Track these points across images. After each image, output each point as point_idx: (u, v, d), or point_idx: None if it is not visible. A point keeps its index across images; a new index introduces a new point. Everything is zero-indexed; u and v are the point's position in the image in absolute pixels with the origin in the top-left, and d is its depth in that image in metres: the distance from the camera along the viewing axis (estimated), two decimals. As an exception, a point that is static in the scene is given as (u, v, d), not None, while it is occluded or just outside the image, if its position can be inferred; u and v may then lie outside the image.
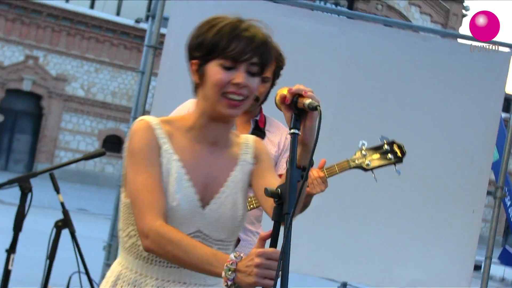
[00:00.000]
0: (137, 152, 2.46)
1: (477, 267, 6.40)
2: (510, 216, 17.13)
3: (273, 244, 2.31)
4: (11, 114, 29.27)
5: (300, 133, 2.30)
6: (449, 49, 6.31)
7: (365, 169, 3.50)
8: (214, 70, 2.39)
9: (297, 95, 2.30)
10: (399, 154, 3.48)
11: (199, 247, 2.29)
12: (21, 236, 3.81)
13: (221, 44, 2.37)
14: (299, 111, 2.30)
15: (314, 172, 3.37)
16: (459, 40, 7.28)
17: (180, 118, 2.64)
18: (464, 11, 39.70)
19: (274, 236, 2.30)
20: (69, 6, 29.87)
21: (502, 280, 22.04)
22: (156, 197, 2.39)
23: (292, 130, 2.29)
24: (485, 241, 6.24)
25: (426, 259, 6.02)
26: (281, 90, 2.37)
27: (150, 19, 6.47)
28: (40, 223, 5.16)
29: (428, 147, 5.82)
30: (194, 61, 2.46)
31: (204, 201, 2.50)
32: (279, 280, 2.21)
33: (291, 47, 5.11)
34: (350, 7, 32.24)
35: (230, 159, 2.60)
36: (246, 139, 2.66)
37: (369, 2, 32.52)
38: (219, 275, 2.16)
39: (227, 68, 2.38)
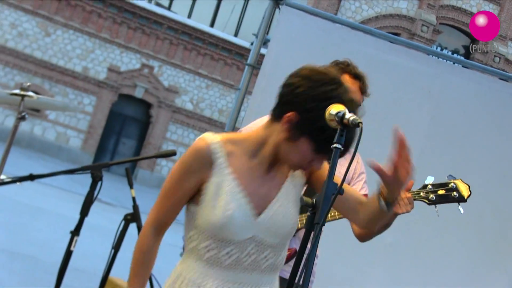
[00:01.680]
0: (179, 164, 2.61)
1: None
2: None
3: (301, 252, 2.38)
4: (120, 118, 30.03)
5: (342, 148, 2.33)
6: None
7: (428, 203, 3.53)
8: (305, 147, 2.48)
9: (343, 115, 2.33)
10: (463, 194, 3.48)
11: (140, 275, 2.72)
12: (89, 229, 3.98)
13: (328, 136, 2.39)
14: (344, 127, 2.33)
15: (402, 193, 3.38)
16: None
17: (247, 138, 2.70)
18: None
19: (303, 242, 2.38)
20: (190, 22, 30.41)
21: None
22: (167, 208, 2.65)
23: (335, 145, 2.34)
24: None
25: None
26: (331, 106, 2.38)
27: (254, 38, 6.52)
28: (108, 218, 5.32)
29: (493, 195, 5.76)
30: (292, 116, 2.48)
31: (258, 211, 2.60)
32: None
33: (388, 82, 5.18)
34: (467, 56, 31.44)
35: (282, 174, 2.68)
36: None
37: (487, 54, 31.54)
38: None
39: (316, 152, 2.49)
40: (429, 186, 3.46)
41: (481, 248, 5.93)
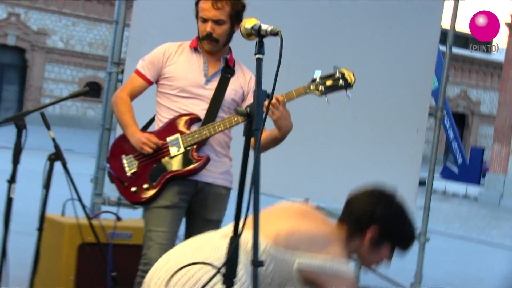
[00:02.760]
0: None
1: (421, 183, 6.53)
2: (449, 136, 17.70)
3: (245, 157, 2.36)
4: (-2, 68, 29.35)
5: (263, 57, 2.33)
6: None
7: (319, 94, 3.56)
8: (386, 252, 2.73)
9: (259, 27, 2.36)
10: (349, 80, 3.51)
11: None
12: (18, 176, 3.85)
13: (410, 242, 2.78)
14: (261, 37, 2.33)
15: (274, 98, 3.43)
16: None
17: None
18: None
19: (245, 150, 2.36)
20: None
21: (444, 193, 22.46)
22: None
23: (257, 56, 2.32)
24: (428, 160, 6.35)
25: (376, 176, 6.10)
26: (245, 21, 2.41)
27: None
28: (33, 163, 5.15)
29: (375, 75, 5.79)
30: (376, 230, 2.68)
31: None
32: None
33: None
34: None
35: None
36: None
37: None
38: None
39: (392, 253, 2.78)
40: (318, 80, 3.50)
41: (358, 128, 6.04)
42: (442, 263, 8.98)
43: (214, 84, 3.80)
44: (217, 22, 3.68)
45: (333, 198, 6.19)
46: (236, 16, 3.72)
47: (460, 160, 23.21)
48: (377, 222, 2.71)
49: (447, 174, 24.13)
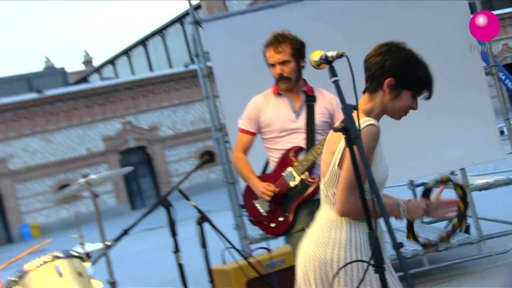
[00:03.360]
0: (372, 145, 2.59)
1: (501, 132, 6.41)
2: (508, 86, 17.17)
3: (354, 164, 2.37)
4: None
5: (339, 79, 2.39)
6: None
7: None
8: (407, 97, 2.61)
9: (326, 56, 2.41)
10: None
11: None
12: (180, 245, 4.05)
13: (427, 84, 2.63)
14: (330, 63, 2.37)
15: None
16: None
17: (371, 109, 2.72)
18: None
19: (353, 159, 2.37)
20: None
21: None
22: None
23: (334, 79, 2.36)
24: (500, 112, 6.25)
25: (461, 138, 6.02)
26: (312, 55, 2.44)
27: (196, 58, 6.41)
28: (187, 231, 5.34)
29: (433, 59, 5.75)
30: (390, 80, 2.59)
31: None
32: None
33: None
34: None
35: None
36: None
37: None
38: None
39: (414, 97, 2.65)
40: None
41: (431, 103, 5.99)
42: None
43: (303, 116, 3.87)
44: (283, 63, 3.79)
45: (435, 168, 6.06)
46: (298, 54, 3.82)
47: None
48: (390, 72, 2.62)
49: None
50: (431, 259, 6.08)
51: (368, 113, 2.64)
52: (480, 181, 6.56)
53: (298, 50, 3.83)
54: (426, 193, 2.86)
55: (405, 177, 6.74)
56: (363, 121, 2.56)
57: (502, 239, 6.12)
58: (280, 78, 3.83)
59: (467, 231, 4.33)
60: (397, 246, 2.22)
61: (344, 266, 2.53)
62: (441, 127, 6.00)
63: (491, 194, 7.16)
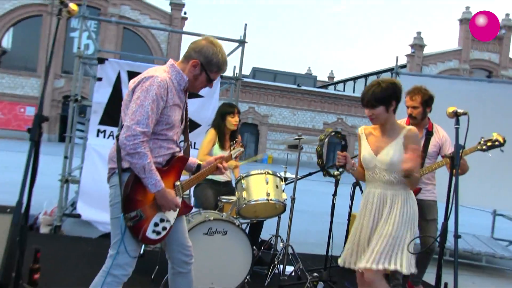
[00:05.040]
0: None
1: None
2: None
3: (450, 181, 2.50)
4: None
5: (459, 127, 2.47)
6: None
7: (482, 151, 3.46)
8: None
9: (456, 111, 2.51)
10: (502, 141, 3.39)
11: None
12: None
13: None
14: (457, 116, 2.50)
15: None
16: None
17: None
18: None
19: (450, 177, 2.49)
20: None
21: None
22: None
23: (456, 126, 2.48)
24: None
25: None
26: (448, 109, 2.53)
27: None
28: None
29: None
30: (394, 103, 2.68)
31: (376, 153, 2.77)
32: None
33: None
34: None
35: (393, 137, 2.78)
36: (405, 128, 2.77)
37: None
38: None
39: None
40: (482, 142, 3.41)
41: None
42: None
43: (422, 143, 3.81)
44: (414, 107, 3.77)
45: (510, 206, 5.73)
46: (426, 103, 3.77)
47: None
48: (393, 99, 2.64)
49: None
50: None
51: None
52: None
53: (427, 101, 3.76)
54: (344, 148, 2.87)
55: (489, 205, 6.34)
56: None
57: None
58: (410, 117, 3.82)
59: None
60: (457, 236, 2.30)
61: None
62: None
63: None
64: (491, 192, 5.23)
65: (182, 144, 2.49)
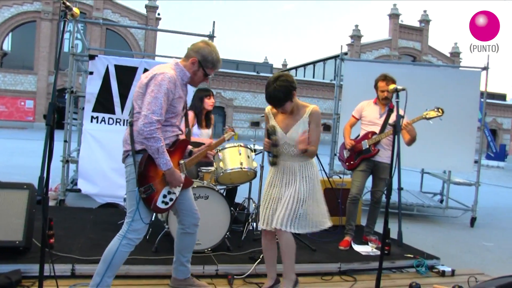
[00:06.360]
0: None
1: (475, 162, 6.11)
2: (488, 138, 16.57)
3: (393, 148, 2.46)
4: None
5: (399, 100, 2.41)
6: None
7: (426, 119, 3.53)
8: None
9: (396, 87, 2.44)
10: (440, 113, 3.44)
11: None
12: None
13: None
14: (397, 92, 2.44)
15: (406, 122, 3.47)
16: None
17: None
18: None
19: (393, 143, 2.43)
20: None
21: (487, 166, 20.65)
22: None
23: (396, 100, 2.42)
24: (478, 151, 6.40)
25: (450, 156, 5.82)
26: (390, 86, 2.51)
27: (336, 77, 6.42)
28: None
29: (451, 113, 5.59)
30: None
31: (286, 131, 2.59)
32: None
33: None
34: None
35: (298, 115, 2.64)
36: (309, 107, 2.60)
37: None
38: None
39: None
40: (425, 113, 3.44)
41: (453, 132, 5.76)
42: (487, 198, 8.38)
43: (383, 118, 3.81)
44: (388, 91, 3.69)
45: (434, 166, 6.01)
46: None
47: (494, 150, 23.15)
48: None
49: (488, 156, 23.37)
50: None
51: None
52: (457, 179, 6.56)
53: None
54: (273, 132, 2.62)
55: (418, 165, 6.48)
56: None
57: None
58: (384, 99, 3.77)
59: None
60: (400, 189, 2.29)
61: None
62: (444, 146, 5.72)
63: (461, 189, 7.02)
64: (420, 154, 5.31)
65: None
